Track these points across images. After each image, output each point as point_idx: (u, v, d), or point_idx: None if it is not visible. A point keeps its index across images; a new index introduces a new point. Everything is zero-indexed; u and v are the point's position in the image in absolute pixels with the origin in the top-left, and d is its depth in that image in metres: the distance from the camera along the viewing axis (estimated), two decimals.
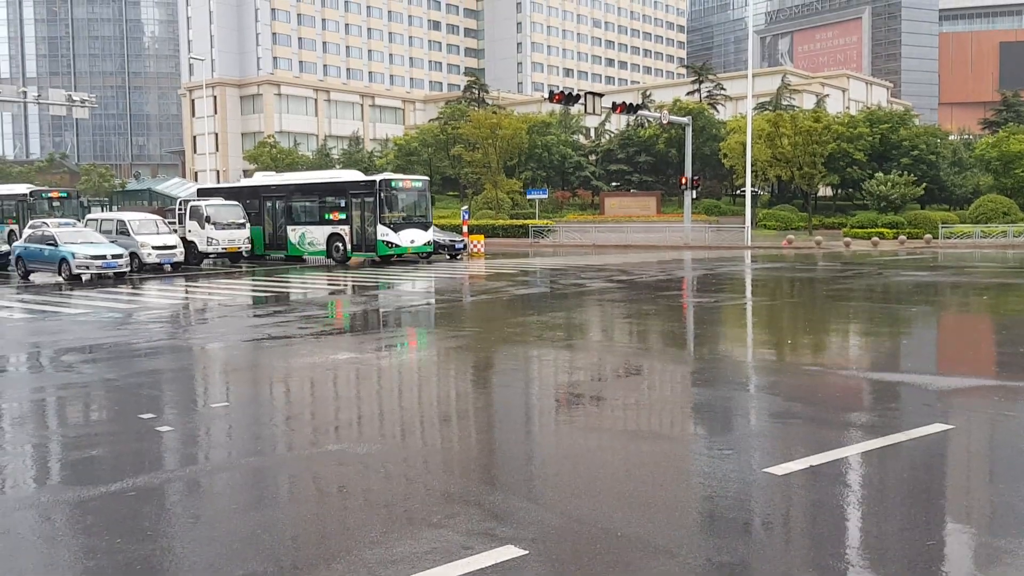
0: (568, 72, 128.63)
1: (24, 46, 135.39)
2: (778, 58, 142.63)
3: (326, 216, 33.09)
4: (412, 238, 32.27)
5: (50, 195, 40.30)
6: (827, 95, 77.02)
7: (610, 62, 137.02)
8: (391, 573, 4.61)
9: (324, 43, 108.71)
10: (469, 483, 6.22)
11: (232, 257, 32.93)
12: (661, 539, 5.05)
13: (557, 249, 44.08)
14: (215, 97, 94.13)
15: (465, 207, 46.68)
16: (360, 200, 32.08)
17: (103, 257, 24.59)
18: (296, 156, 78.06)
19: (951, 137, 64.04)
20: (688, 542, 5.01)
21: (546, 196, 56.44)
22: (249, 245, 33.14)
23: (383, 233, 31.42)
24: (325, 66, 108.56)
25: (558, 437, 7.78)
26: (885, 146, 54.67)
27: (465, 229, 40.59)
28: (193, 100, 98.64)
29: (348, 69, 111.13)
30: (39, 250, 25.38)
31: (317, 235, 33.26)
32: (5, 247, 29.41)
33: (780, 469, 6.27)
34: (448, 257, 35.95)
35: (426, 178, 35.54)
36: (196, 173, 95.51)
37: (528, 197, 56.23)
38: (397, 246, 31.73)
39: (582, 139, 72.11)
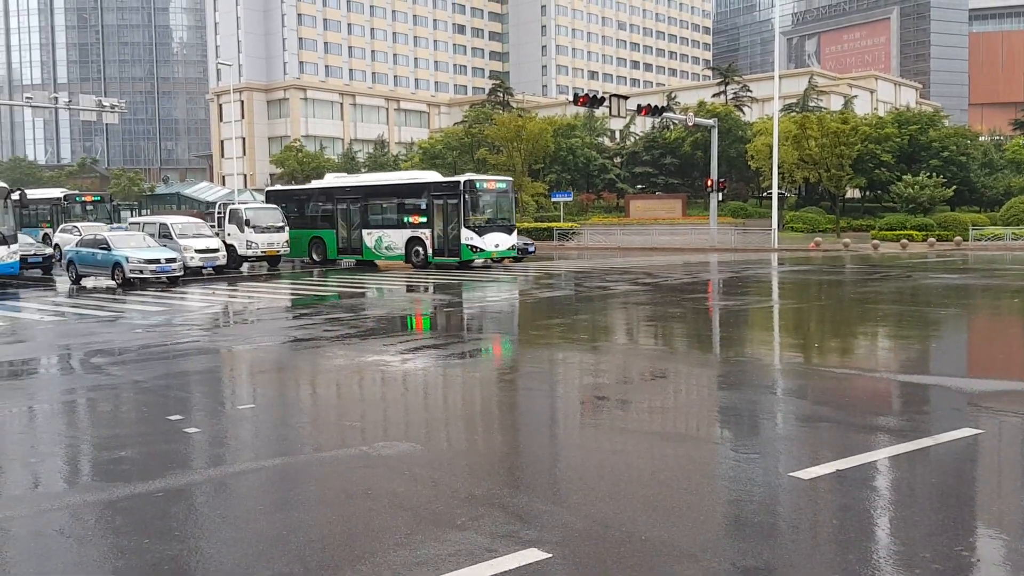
0: (593, 75, 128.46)
1: (55, 52, 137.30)
2: (805, 59, 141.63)
3: (405, 219, 31.62)
4: (497, 242, 30.67)
5: (83, 199, 40.92)
6: (855, 96, 76.31)
7: (635, 64, 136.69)
8: (416, 575, 4.63)
9: (350, 47, 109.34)
10: (494, 485, 6.23)
11: (271, 260, 32.60)
12: (685, 543, 5.02)
13: (582, 252, 44.03)
14: (242, 102, 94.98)
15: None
16: (442, 202, 30.51)
17: (157, 261, 24.26)
18: (322, 160, 78.56)
19: (981, 138, 63.23)
20: (713, 546, 4.98)
21: (571, 199, 56.38)
22: (288, 248, 32.89)
23: (467, 237, 29.90)
24: (351, 70, 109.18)
25: (582, 440, 7.77)
26: (914, 147, 54.05)
27: None
28: (221, 105, 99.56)
29: (373, 73, 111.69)
30: (91, 254, 25.14)
31: (395, 239, 31.90)
32: (49, 249, 28.94)
33: (806, 473, 6.22)
34: (513, 260, 34.22)
35: (510, 178, 34.13)
36: (224, 177, 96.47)
37: (553, 200, 56.22)
38: (481, 250, 30.19)
39: (607, 141, 71.95)
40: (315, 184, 36.30)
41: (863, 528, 5.29)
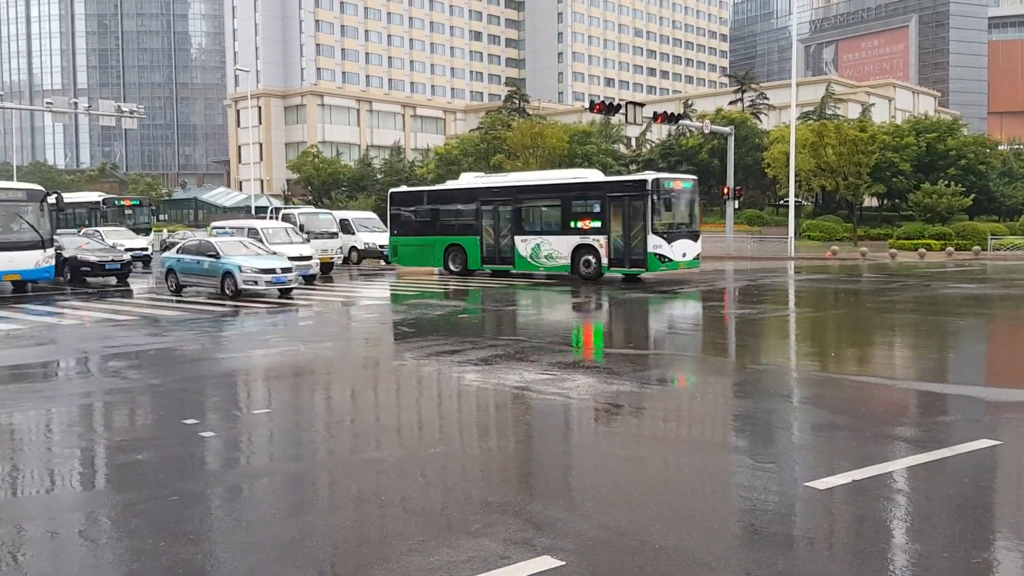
0: (609, 82, 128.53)
1: (76, 58, 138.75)
2: (822, 67, 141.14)
3: (573, 224, 27.22)
4: (684, 251, 26.63)
5: (122, 203, 41.28)
6: (872, 104, 75.93)
7: (651, 72, 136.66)
8: None
9: (367, 54, 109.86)
10: (508, 492, 6.22)
11: (324, 267, 30.25)
12: (700, 552, 5.00)
13: None
14: (260, 108, 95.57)
15: None
16: (623, 204, 26.29)
17: (272, 271, 21.45)
18: (339, 166, 78.85)
19: (1001, 147, 62.76)
20: (727, 556, 4.96)
21: None
22: (342, 256, 31.13)
23: (655, 245, 25.62)
24: (367, 77, 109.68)
25: (596, 447, 7.75)
26: (932, 156, 53.73)
27: None
28: (238, 111, 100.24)
29: (390, 80, 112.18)
30: (196, 262, 22.54)
31: (558, 246, 27.50)
32: (127, 256, 27.27)
33: (823, 483, 6.17)
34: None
35: (695, 177, 30.04)
36: (240, 182, 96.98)
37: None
38: (670, 260, 26.05)
39: (623, 149, 71.90)
40: (452, 185, 32.18)
41: (880, 539, 5.25)
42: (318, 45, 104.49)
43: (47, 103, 40.09)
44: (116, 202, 41.11)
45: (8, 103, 41.34)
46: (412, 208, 31.97)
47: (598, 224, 26.78)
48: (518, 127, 61.65)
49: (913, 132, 54.50)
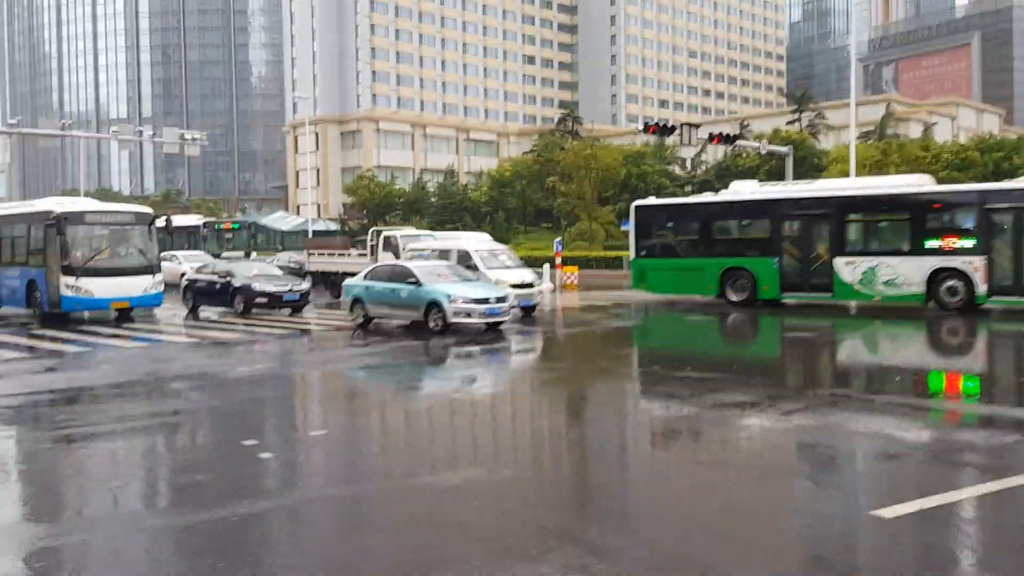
0: (663, 103, 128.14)
1: (141, 88, 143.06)
2: (882, 86, 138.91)
3: (925, 242, 21.86)
4: None
5: (222, 226, 41.24)
6: (935, 123, 74.40)
7: (706, 92, 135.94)
8: None
9: (421, 79, 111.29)
10: (564, 517, 6.14)
11: None
12: None
13: None
14: (317, 134, 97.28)
15: (558, 239, 46.65)
16: (1007, 218, 20.98)
17: (485, 301, 18.13)
18: (393, 189, 79.80)
19: None
20: None
21: None
22: None
23: None
24: (422, 101, 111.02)
25: (654, 472, 7.62)
26: (999, 175, 52.33)
27: (559, 261, 40.53)
28: (296, 137, 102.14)
29: (444, 104, 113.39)
30: (391, 291, 19.28)
31: (905, 269, 21.91)
32: (305, 284, 24.42)
33: (888, 512, 5.98)
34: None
35: None
36: (299, 207, 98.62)
37: (623, 229, 55.92)
38: None
39: (677, 170, 71.50)
40: (730, 196, 26.40)
41: (948, 571, 5.05)
42: (374, 72, 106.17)
43: (113, 131, 41.22)
44: (216, 226, 40.82)
45: (77, 132, 42.61)
46: (669, 224, 27.06)
47: (971, 243, 21.17)
48: (571, 149, 61.72)
49: (978, 150, 53.21)
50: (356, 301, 20.07)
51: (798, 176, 50.65)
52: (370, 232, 30.81)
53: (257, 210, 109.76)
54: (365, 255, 29.50)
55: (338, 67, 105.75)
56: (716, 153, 71.66)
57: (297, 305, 23.31)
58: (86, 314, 22.26)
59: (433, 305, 18.16)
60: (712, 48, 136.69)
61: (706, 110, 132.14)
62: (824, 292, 23.16)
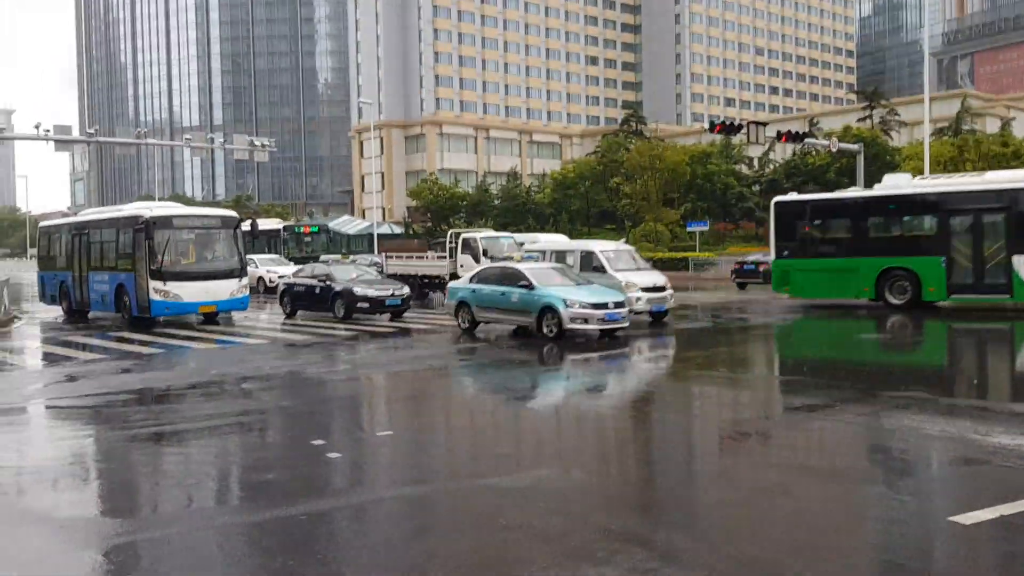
0: (729, 102, 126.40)
1: (212, 96, 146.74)
2: (957, 80, 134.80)
3: None
4: None
5: (302, 230, 41.88)
6: (1013, 118, 71.85)
7: (774, 90, 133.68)
8: None
9: (484, 83, 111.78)
10: (631, 520, 6.01)
11: None
12: None
13: (719, 283, 42.99)
14: (381, 138, 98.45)
15: (622, 240, 46.25)
16: None
17: (604, 306, 16.89)
18: (456, 192, 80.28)
19: None
20: None
21: (707, 228, 55.28)
22: None
23: None
24: (484, 105, 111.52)
25: (724, 475, 7.44)
26: None
27: None
28: (362, 142, 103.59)
29: (507, 107, 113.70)
30: (499, 295, 18.23)
31: None
32: (404, 289, 22.73)
33: (967, 518, 5.75)
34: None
35: None
36: (364, 211, 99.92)
37: (688, 229, 55.27)
38: None
39: (744, 169, 70.40)
40: (884, 191, 24.20)
41: None
42: (437, 76, 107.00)
43: (186, 139, 42.11)
44: (296, 229, 41.33)
45: (151, 140, 43.68)
46: (816, 221, 25.02)
47: None
48: (636, 149, 61.26)
49: None
50: (462, 305, 19.14)
51: (870, 174, 49.51)
52: (448, 234, 30.42)
53: (324, 214, 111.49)
54: (444, 258, 29.35)
55: (402, 72, 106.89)
56: (784, 152, 70.35)
57: (398, 310, 22.30)
58: (164, 319, 21.97)
59: (547, 310, 17.10)
60: (779, 45, 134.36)
61: (773, 108, 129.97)
62: (1001, 293, 21.24)
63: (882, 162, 57.28)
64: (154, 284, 20.46)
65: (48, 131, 34.22)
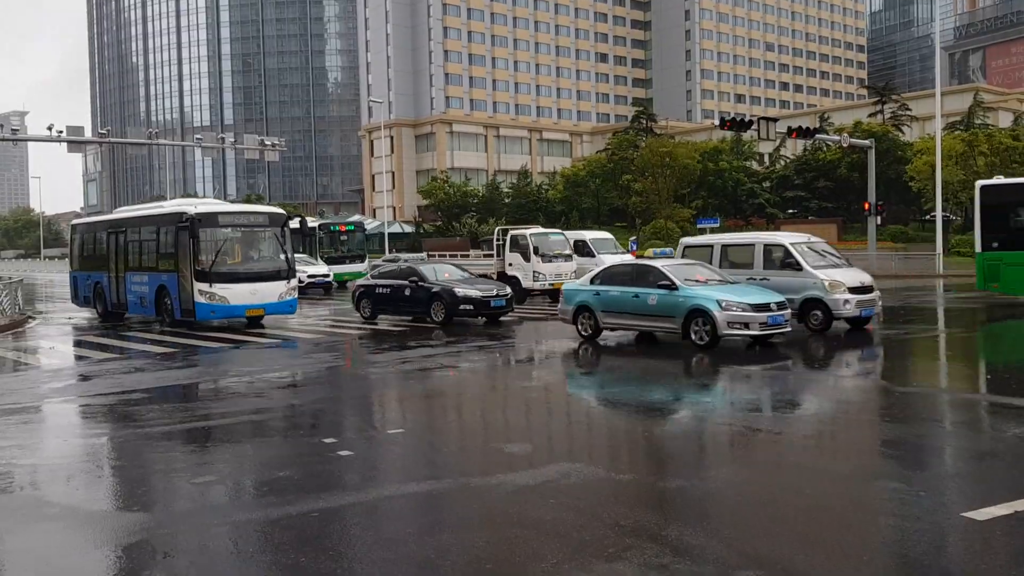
0: (740, 98, 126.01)
1: (223, 96, 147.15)
2: (968, 74, 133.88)
3: None
4: None
5: (337, 228, 41.44)
6: None
7: (784, 86, 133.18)
8: None
9: (494, 81, 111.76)
10: (643, 515, 6.01)
11: (552, 295, 24.86)
12: None
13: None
14: (391, 137, 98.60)
15: (633, 237, 46.25)
16: None
17: (766, 308, 14.52)
18: (467, 190, 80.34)
19: None
20: None
21: (718, 224, 55.16)
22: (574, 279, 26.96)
23: None
24: (495, 103, 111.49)
25: (735, 471, 7.42)
26: None
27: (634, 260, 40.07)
28: (372, 141, 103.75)
29: (517, 105, 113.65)
30: (630, 297, 15.78)
31: None
32: (506, 289, 20.78)
33: (981, 514, 5.73)
34: None
35: None
36: (374, 210, 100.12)
37: (699, 226, 55.19)
38: None
39: (755, 165, 70.25)
40: None
41: None
42: (447, 74, 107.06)
43: (197, 139, 42.41)
44: (331, 228, 40.85)
45: (163, 140, 43.98)
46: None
47: None
48: (646, 146, 61.20)
49: None
50: (582, 309, 16.63)
51: (881, 169, 49.14)
52: (496, 231, 28.95)
53: (335, 213, 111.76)
54: (492, 256, 27.96)
55: (412, 71, 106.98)
56: (795, 147, 70.19)
57: (502, 312, 20.27)
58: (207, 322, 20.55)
59: (697, 313, 14.58)
60: (789, 40, 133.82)
61: (784, 104, 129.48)
62: None
63: (893, 156, 57.08)
64: (199, 286, 19.25)
65: (61, 132, 34.46)
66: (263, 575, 5.20)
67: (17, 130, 35.01)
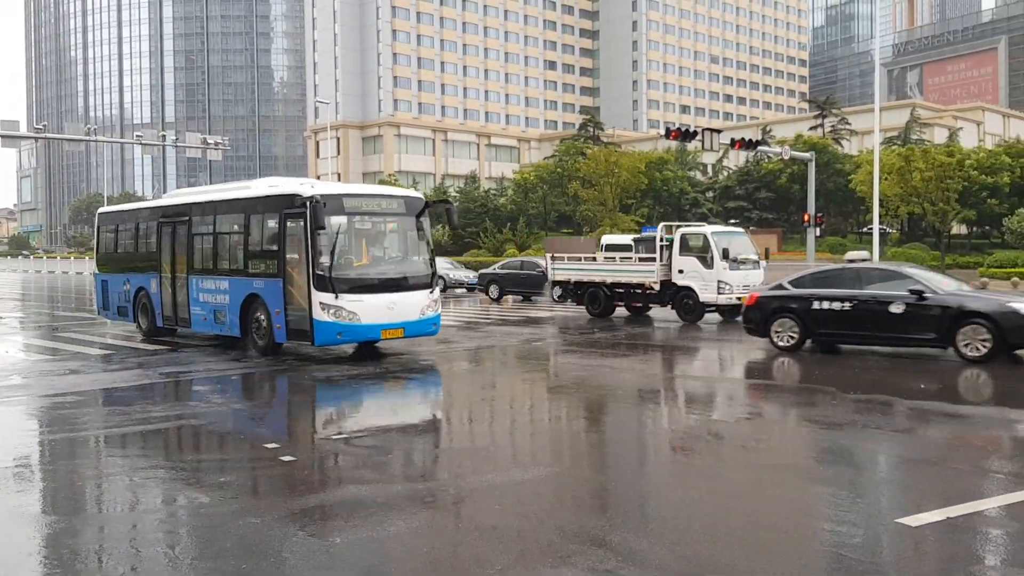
0: (685, 109, 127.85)
1: (164, 93, 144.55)
2: (906, 91, 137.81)
3: None
4: None
5: None
6: (960, 128, 73.75)
7: (728, 98, 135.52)
8: None
9: (443, 85, 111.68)
10: (588, 520, 6.08)
11: (731, 312, 20.87)
12: None
13: None
14: (338, 139, 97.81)
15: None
16: None
17: None
18: None
19: None
20: None
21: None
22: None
23: None
24: (443, 107, 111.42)
25: (680, 477, 7.54)
26: None
27: None
28: (318, 142, 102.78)
29: (465, 110, 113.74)
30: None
31: None
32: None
33: (914, 520, 5.89)
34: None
35: None
36: None
37: (643, 234, 55.81)
38: None
39: (699, 175, 71.29)
40: None
41: None
42: (395, 77, 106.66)
43: (137, 136, 41.48)
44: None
45: (101, 136, 43.04)
46: None
47: None
48: (593, 155, 61.70)
49: (1006, 155, 52.65)
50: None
51: (821, 181, 50.35)
52: (659, 227, 22.74)
53: None
54: (650, 259, 22.35)
55: (360, 72, 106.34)
56: (738, 158, 71.41)
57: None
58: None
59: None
60: (734, 53, 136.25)
61: (728, 115, 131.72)
62: None
63: (833, 169, 58.44)
64: (320, 297, 13.77)
65: None
66: None
67: None
